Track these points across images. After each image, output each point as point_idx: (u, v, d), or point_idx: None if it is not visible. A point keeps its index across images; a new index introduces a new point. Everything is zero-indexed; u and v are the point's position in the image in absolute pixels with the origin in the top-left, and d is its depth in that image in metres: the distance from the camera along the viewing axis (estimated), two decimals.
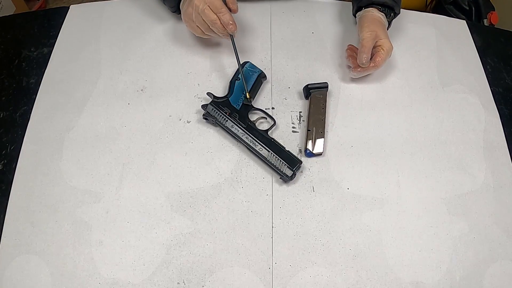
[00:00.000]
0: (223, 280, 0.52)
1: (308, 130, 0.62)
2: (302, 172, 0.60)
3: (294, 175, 0.58)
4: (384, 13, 0.68)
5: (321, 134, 0.62)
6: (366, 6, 0.69)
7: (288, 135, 0.63)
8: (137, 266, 0.53)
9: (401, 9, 0.80)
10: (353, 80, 0.69)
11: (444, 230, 0.57)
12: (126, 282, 0.52)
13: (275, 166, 0.58)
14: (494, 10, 1.31)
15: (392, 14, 0.70)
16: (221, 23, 0.61)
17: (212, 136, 0.63)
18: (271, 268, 0.53)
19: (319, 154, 0.61)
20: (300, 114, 0.65)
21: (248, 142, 0.60)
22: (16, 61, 0.71)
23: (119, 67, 0.69)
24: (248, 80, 0.65)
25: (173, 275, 0.52)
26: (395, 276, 0.53)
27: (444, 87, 0.70)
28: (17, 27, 0.76)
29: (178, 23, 0.75)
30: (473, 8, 1.31)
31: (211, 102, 0.63)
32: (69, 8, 0.77)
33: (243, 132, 0.60)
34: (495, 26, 1.27)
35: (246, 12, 0.76)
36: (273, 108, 0.66)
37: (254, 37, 0.74)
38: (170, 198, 0.58)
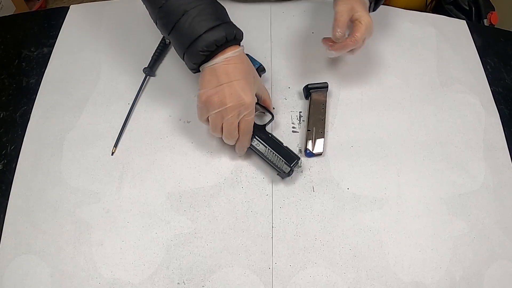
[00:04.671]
0: (223, 280, 0.52)
1: (308, 130, 0.62)
2: (302, 172, 0.60)
3: (291, 171, 0.57)
4: None
5: (321, 134, 0.62)
6: None
7: (288, 135, 0.63)
8: (137, 266, 0.53)
9: (401, 9, 0.80)
10: (353, 80, 0.69)
11: (444, 230, 0.57)
12: (126, 282, 0.52)
13: (272, 162, 0.57)
14: (494, 10, 1.31)
15: None
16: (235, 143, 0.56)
17: (212, 136, 0.63)
18: (271, 268, 0.53)
19: (319, 154, 0.61)
20: (300, 114, 0.65)
21: None
22: (16, 61, 0.71)
23: (119, 67, 0.69)
24: None
25: (173, 275, 0.52)
26: (395, 276, 0.53)
27: (444, 87, 0.70)
28: (17, 27, 0.76)
29: None
30: (473, 8, 1.31)
31: None
32: (69, 8, 0.77)
33: None
34: (495, 26, 1.27)
35: (246, 12, 0.76)
36: (273, 108, 0.66)
37: (254, 37, 0.73)
38: (170, 198, 0.58)
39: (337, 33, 0.56)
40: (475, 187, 0.60)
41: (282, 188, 0.59)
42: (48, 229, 0.55)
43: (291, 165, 0.57)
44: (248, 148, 0.58)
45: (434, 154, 0.63)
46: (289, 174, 0.57)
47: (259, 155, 0.58)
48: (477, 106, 0.68)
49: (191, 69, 0.55)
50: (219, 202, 0.57)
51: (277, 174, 0.58)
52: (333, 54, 0.61)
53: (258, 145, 0.58)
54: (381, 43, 0.74)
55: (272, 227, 0.56)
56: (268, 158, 0.57)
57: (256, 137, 0.58)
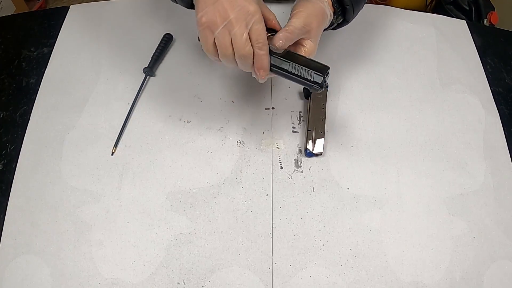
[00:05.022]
0: (223, 280, 0.52)
1: (308, 130, 0.62)
2: (302, 172, 0.60)
3: (324, 81, 0.50)
4: (334, 8, 0.54)
5: (321, 134, 0.62)
6: None
7: (288, 135, 0.63)
8: (137, 266, 0.53)
9: (401, 9, 0.80)
10: (353, 80, 0.69)
11: (444, 230, 0.57)
12: (126, 282, 0.52)
13: (300, 76, 0.50)
14: (494, 10, 1.31)
15: (340, 18, 0.57)
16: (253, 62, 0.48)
17: (212, 136, 0.63)
18: (271, 268, 0.53)
19: (319, 154, 0.61)
20: (300, 114, 0.65)
21: None
22: (16, 61, 0.71)
23: (119, 67, 0.69)
24: None
25: (173, 275, 0.52)
26: (395, 276, 0.53)
27: (444, 87, 0.70)
28: (17, 27, 0.76)
29: (179, 23, 0.75)
30: (473, 8, 1.31)
31: None
32: (69, 8, 0.77)
33: None
34: (495, 26, 1.27)
35: None
36: (273, 108, 0.66)
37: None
38: (170, 198, 0.58)
39: (279, 43, 0.49)
40: (475, 187, 0.60)
41: (282, 188, 0.59)
42: (48, 229, 0.55)
43: (324, 75, 0.50)
44: (272, 69, 0.50)
45: (434, 154, 0.63)
46: (321, 86, 0.50)
47: (284, 74, 0.51)
48: (477, 106, 0.68)
49: (185, 0, 0.51)
50: (219, 202, 0.57)
51: (310, 89, 0.51)
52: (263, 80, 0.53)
53: (280, 63, 0.50)
54: (381, 43, 0.74)
55: (272, 227, 0.56)
56: (295, 73, 0.50)
57: (274, 55, 0.50)
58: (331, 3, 0.53)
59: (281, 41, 0.48)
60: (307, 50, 0.52)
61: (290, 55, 0.50)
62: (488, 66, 0.74)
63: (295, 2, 0.54)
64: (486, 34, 0.79)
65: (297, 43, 0.52)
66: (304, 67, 0.50)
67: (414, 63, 0.72)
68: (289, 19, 0.51)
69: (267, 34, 0.52)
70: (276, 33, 0.50)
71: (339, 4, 0.54)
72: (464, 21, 0.80)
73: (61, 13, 0.77)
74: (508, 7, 1.38)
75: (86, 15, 0.76)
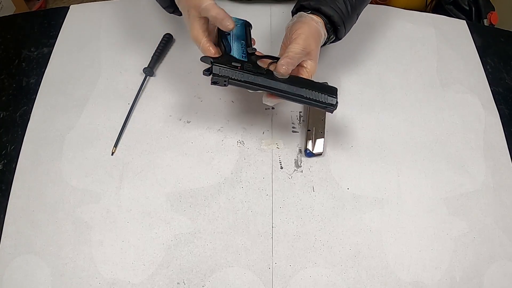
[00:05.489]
0: (223, 280, 0.52)
1: (308, 130, 0.62)
2: (302, 172, 0.60)
3: (337, 102, 0.54)
4: (326, 29, 0.58)
5: (321, 134, 0.62)
6: (313, 12, 0.57)
7: (288, 135, 0.63)
8: (137, 266, 0.53)
9: (401, 9, 0.80)
10: (353, 80, 0.69)
11: (444, 230, 0.57)
12: (126, 282, 0.52)
13: (316, 100, 0.53)
14: (494, 10, 1.31)
15: (332, 37, 0.61)
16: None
17: (212, 136, 0.63)
18: (271, 268, 0.53)
19: (319, 154, 0.61)
20: (300, 114, 0.65)
21: (280, 88, 0.53)
22: (16, 61, 0.71)
23: (119, 67, 0.69)
24: (240, 33, 0.58)
25: (173, 275, 0.52)
26: (395, 276, 0.53)
27: (444, 87, 0.70)
28: (17, 27, 0.76)
29: (179, 23, 0.75)
30: (473, 8, 1.31)
31: (213, 63, 0.53)
32: (69, 8, 0.77)
33: (267, 80, 0.53)
34: (495, 26, 1.27)
35: (246, 13, 0.76)
36: (272, 108, 0.66)
37: (254, 37, 0.73)
38: (170, 198, 0.58)
39: (283, 70, 0.52)
40: (475, 187, 0.60)
41: (282, 188, 0.59)
42: (48, 229, 0.55)
43: (336, 96, 0.54)
44: (288, 96, 0.53)
45: (434, 154, 0.63)
46: (336, 106, 0.54)
47: (300, 100, 0.54)
48: (477, 106, 0.68)
49: (165, 8, 0.60)
50: (219, 202, 0.57)
51: (325, 110, 0.55)
52: (272, 102, 0.56)
53: (296, 90, 0.53)
54: (381, 43, 0.74)
55: (272, 227, 0.56)
56: (311, 98, 0.53)
57: (287, 83, 0.53)
58: (324, 23, 0.57)
59: (284, 67, 0.52)
60: (309, 70, 0.55)
61: (301, 81, 0.54)
62: (488, 66, 0.74)
63: (291, 24, 0.57)
64: (486, 34, 0.79)
65: (299, 65, 0.55)
66: (317, 92, 0.53)
67: (414, 63, 0.72)
68: (288, 42, 0.54)
69: (270, 61, 0.56)
70: (277, 60, 0.53)
71: (331, 25, 0.58)
72: (464, 21, 0.80)
73: (61, 13, 0.77)
74: (508, 7, 1.38)
75: (86, 15, 0.76)
